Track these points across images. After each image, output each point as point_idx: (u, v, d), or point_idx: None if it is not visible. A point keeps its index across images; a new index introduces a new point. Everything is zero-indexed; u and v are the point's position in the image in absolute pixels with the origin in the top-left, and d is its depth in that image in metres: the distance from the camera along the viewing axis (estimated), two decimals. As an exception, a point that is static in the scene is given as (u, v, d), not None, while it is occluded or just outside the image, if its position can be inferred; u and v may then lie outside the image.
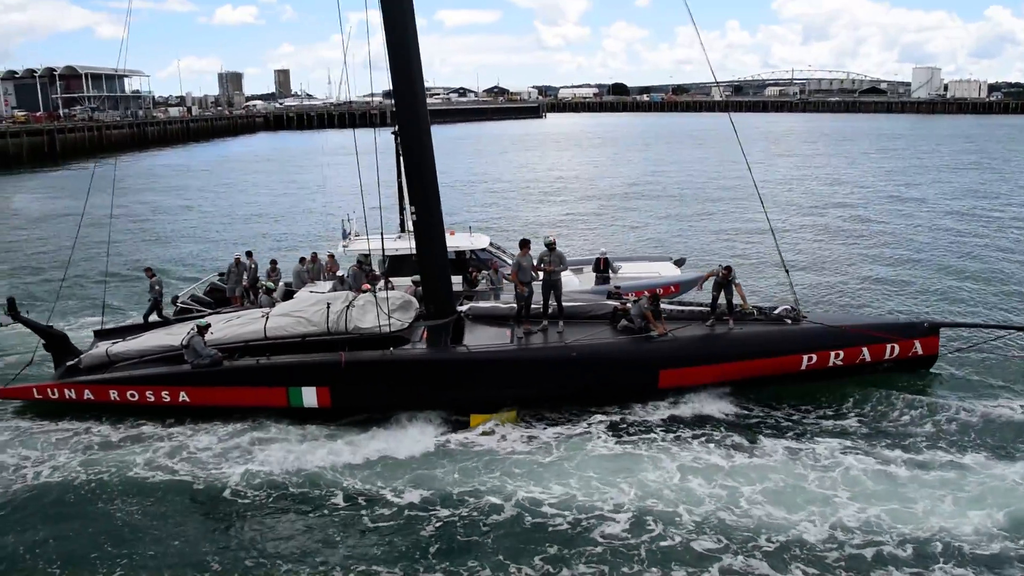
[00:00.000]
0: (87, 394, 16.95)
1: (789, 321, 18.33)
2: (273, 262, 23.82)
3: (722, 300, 18.27)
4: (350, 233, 23.55)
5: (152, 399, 16.76)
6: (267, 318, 17.91)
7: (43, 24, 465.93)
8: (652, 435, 15.80)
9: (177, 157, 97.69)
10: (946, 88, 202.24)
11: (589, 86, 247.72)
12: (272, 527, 13.09)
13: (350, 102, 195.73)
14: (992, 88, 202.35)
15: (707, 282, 19.02)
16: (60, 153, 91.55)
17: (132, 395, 16.79)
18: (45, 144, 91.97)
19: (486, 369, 16.85)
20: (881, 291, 26.76)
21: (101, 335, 20.15)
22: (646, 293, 18.59)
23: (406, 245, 22.01)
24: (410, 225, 22.47)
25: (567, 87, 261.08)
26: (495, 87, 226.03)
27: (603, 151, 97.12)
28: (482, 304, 19.18)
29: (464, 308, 18.90)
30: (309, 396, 16.52)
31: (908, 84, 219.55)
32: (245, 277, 23.13)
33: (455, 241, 22.26)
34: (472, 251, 22.53)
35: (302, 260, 23.67)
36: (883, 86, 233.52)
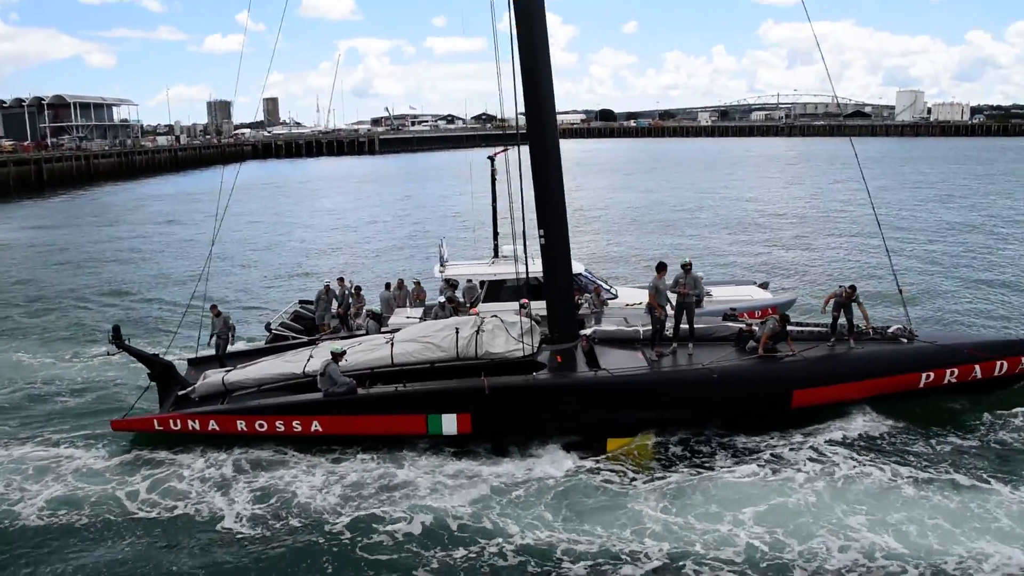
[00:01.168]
0: (212, 425, 16.40)
1: (904, 340, 18.27)
2: (357, 288, 23.37)
3: (842, 320, 18.17)
4: (447, 259, 23.14)
5: (282, 429, 16.25)
6: (392, 344, 17.51)
7: (33, 53, 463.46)
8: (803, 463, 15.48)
9: (188, 183, 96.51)
10: (929, 111, 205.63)
11: (576, 112, 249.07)
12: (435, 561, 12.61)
13: (338, 129, 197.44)
14: (974, 111, 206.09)
15: (829, 303, 18.79)
16: (47, 183, 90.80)
17: (261, 425, 16.27)
18: (32, 173, 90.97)
19: (628, 392, 16.55)
20: (957, 309, 26.80)
21: (196, 364, 19.65)
22: (772, 313, 18.42)
23: (506, 270, 21.82)
24: (503, 251, 22.40)
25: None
26: (483, 114, 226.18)
27: (611, 177, 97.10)
28: (606, 327, 18.84)
29: (588, 331, 18.56)
30: (449, 423, 16.12)
31: (892, 107, 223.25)
32: (335, 304, 22.67)
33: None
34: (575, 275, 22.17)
35: (388, 286, 23.30)
36: (868, 109, 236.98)
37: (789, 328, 18.16)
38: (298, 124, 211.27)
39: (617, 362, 17.13)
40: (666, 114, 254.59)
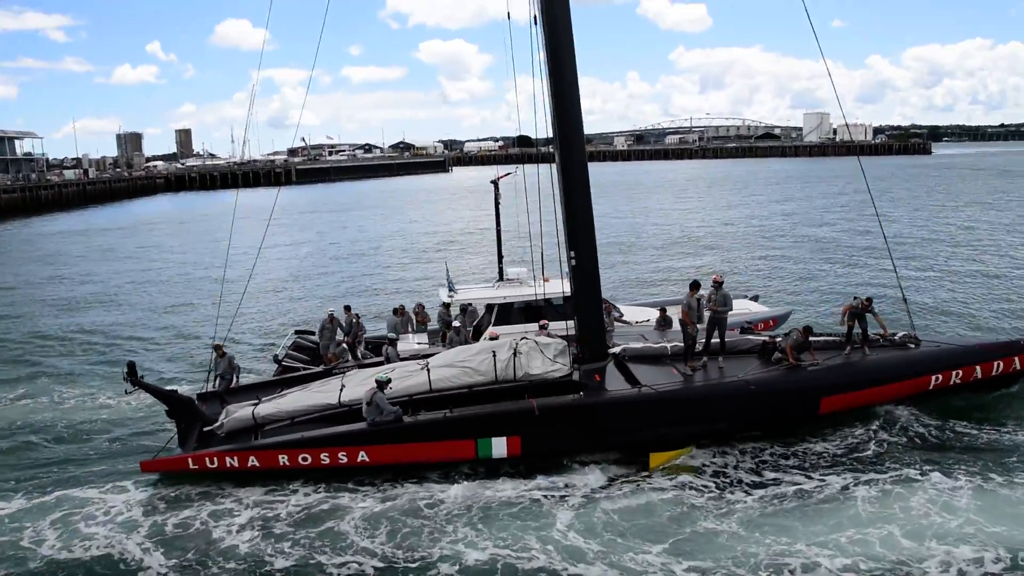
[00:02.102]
0: (252, 461, 15.84)
1: (912, 346, 19.17)
2: (357, 316, 22.97)
3: (856, 328, 18.95)
4: (450, 281, 23.00)
5: (327, 461, 15.83)
6: (429, 370, 17.30)
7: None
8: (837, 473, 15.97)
9: (97, 218, 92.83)
10: (835, 132, 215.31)
11: (494, 139, 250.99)
12: None
13: (253, 160, 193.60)
14: (876, 131, 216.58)
15: (846, 313, 19.47)
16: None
17: (305, 459, 15.81)
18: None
19: (673, 407, 16.78)
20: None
21: (205, 399, 18.99)
22: (773, 325, 19.13)
23: (515, 293, 21.87)
24: (509, 273, 22.48)
25: (472, 140, 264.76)
26: (401, 142, 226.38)
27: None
28: (635, 345, 19.05)
29: (617, 349, 18.73)
30: (499, 446, 16.03)
31: (800, 129, 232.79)
32: (339, 333, 22.24)
33: (560, 287, 22.06)
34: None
35: (395, 311, 23.01)
36: (777, 131, 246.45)
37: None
38: (212, 155, 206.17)
39: (653, 378, 17.36)
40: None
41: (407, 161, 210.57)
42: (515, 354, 17.24)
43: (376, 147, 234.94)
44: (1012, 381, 19.49)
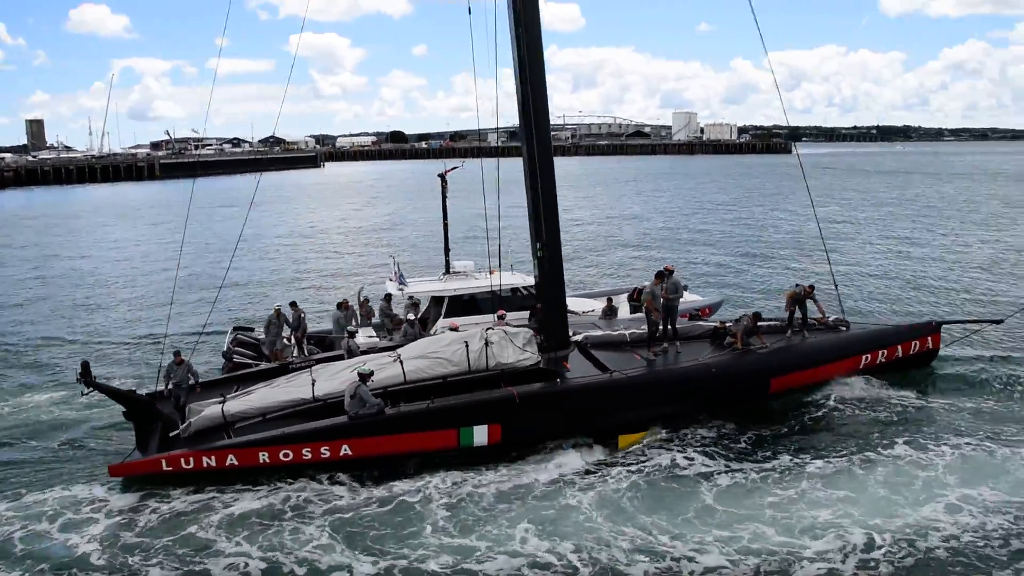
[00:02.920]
0: (231, 459, 15.41)
1: (843, 329, 20.72)
2: (302, 312, 22.48)
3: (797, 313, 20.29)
4: (400, 275, 22.90)
5: (309, 456, 15.61)
6: (401, 362, 17.32)
7: None
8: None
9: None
10: (702, 131, 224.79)
11: (367, 134, 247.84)
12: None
13: (113, 154, 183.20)
14: (741, 131, 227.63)
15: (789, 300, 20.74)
16: None
17: (286, 455, 15.53)
18: None
19: (645, 390, 17.49)
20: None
21: (156, 399, 18.25)
22: (709, 313, 20.22)
23: (465, 285, 22.11)
24: (456, 266, 22.70)
25: (345, 136, 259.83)
26: (271, 137, 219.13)
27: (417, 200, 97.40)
28: (595, 333, 19.64)
29: (578, 338, 19.27)
30: (480, 434, 16.26)
31: (669, 127, 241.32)
32: (286, 328, 21.78)
33: (511, 279, 22.45)
34: (525, 287, 22.76)
35: (339, 305, 22.71)
36: (647, 130, 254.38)
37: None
38: (68, 148, 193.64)
39: (619, 364, 18.02)
40: (457, 135, 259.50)
41: (277, 156, 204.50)
42: (486, 344, 17.49)
43: (245, 141, 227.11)
44: (929, 359, 21.37)
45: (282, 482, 15.42)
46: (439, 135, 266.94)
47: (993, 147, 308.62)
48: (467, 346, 17.43)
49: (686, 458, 16.21)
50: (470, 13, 19.25)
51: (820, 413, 18.46)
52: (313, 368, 18.11)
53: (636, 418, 17.24)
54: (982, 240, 47.99)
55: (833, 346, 20.01)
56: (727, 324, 19.86)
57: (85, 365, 16.19)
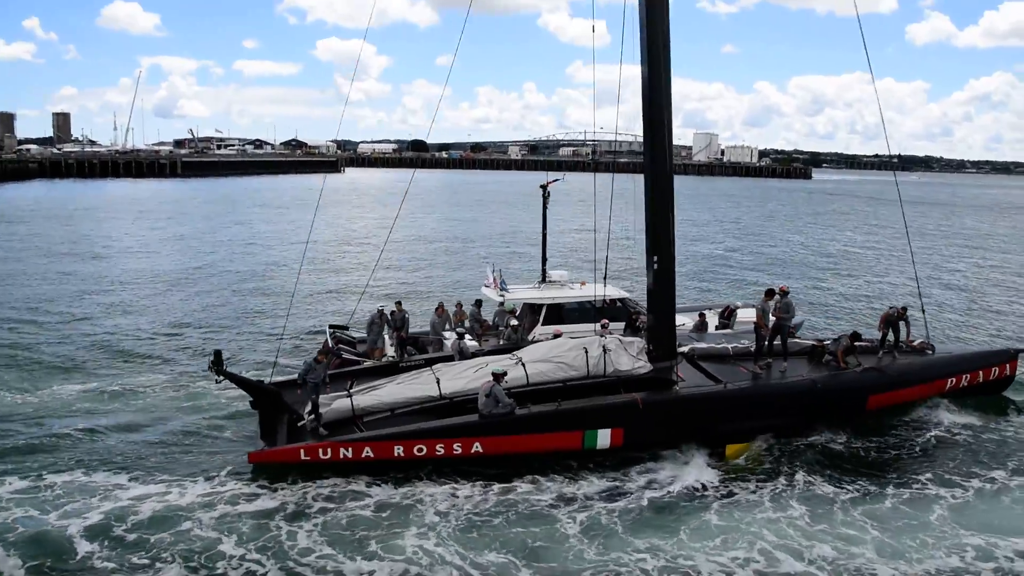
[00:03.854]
0: (367, 452, 16.03)
1: (929, 352, 21.31)
2: (405, 312, 23.09)
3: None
4: (501, 281, 23.52)
5: (442, 452, 16.22)
6: (523, 364, 17.94)
7: None
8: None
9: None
10: (723, 152, 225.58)
11: (388, 141, 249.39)
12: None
13: (137, 150, 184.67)
14: (762, 154, 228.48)
15: (883, 321, 21.34)
16: None
17: (420, 449, 16.15)
18: None
19: (752, 403, 18.07)
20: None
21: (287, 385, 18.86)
22: (844, 333, 20.78)
23: (565, 294, 22.77)
24: (552, 275, 23.35)
25: (366, 142, 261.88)
26: (293, 140, 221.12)
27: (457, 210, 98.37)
28: (701, 345, 20.25)
29: (685, 349, 19.88)
30: (604, 438, 16.87)
31: (690, 148, 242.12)
32: (387, 329, 22.40)
33: (600, 291, 23.07)
34: (620, 299, 23.38)
35: (436, 310, 23.33)
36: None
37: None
38: (92, 142, 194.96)
39: (728, 376, 18.63)
40: (477, 146, 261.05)
41: (298, 159, 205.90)
42: (604, 351, 18.13)
43: (267, 143, 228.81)
44: (1006, 385, 21.94)
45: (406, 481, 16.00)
46: (460, 145, 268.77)
47: (1017, 180, 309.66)
48: (587, 352, 18.08)
49: (805, 473, 16.72)
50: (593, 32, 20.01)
51: (923, 435, 18.97)
52: (435, 367, 18.72)
53: (744, 428, 17.81)
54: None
55: (923, 368, 20.59)
56: (825, 343, 20.48)
57: (217, 354, 16.84)
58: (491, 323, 24.31)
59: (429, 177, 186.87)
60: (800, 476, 16.49)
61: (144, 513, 14.26)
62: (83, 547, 13.18)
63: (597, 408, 16.98)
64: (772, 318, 19.62)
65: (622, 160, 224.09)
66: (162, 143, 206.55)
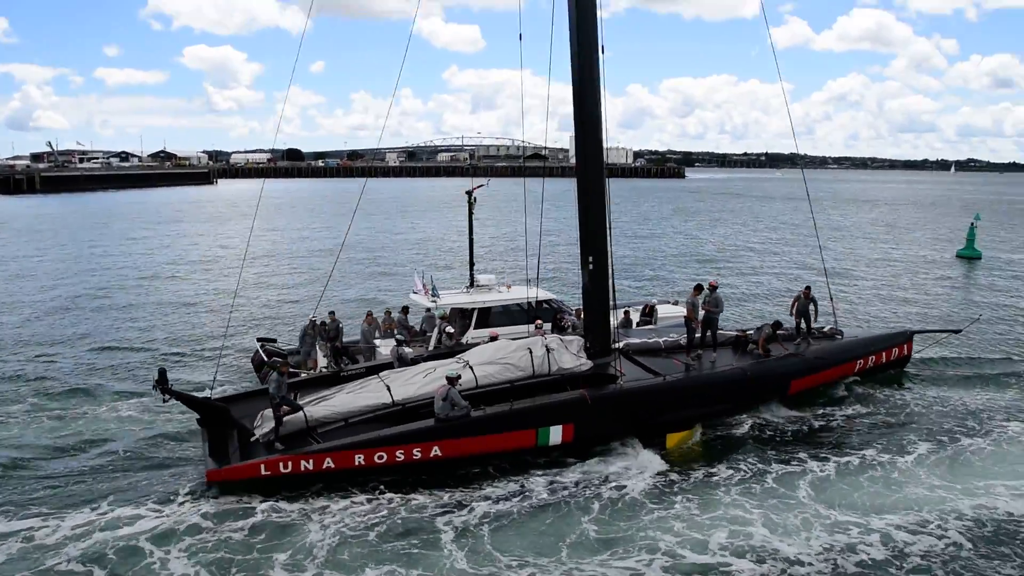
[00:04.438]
0: (328, 462, 15.98)
1: (839, 337, 23.01)
2: (339, 323, 22.97)
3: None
4: (433, 288, 23.65)
5: (402, 458, 16.36)
6: (471, 367, 18.25)
7: None
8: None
9: None
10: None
11: (262, 151, 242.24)
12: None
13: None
14: (636, 155, 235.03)
15: (794, 307, 22.83)
16: None
17: (380, 457, 16.23)
18: None
19: (690, 393, 19.02)
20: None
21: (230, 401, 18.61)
22: (767, 323, 22.09)
23: (495, 298, 23.26)
24: (480, 280, 23.81)
25: (239, 152, 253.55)
26: (161, 151, 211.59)
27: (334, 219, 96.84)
28: (634, 340, 21.07)
29: (620, 345, 20.65)
30: (556, 434, 17.40)
31: (567, 150, 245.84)
32: (317, 339, 22.23)
33: (528, 293, 23.69)
34: (547, 300, 23.98)
35: (367, 318, 23.32)
36: (545, 152, 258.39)
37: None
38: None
39: (665, 369, 19.53)
40: (354, 154, 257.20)
41: (168, 172, 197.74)
42: (547, 351, 18.68)
43: (134, 155, 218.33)
44: (905, 363, 23.93)
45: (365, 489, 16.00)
46: (336, 153, 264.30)
47: (874, 175, 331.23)
48: (531, 352, 18.58)
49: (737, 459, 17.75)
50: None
51: (839, 414, 20.46)
52: (382, 374, 18.78)
53: (683, 418, 18.73)
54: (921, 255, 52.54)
55: (835, 352, 22.17)
56: (748, 332, 21.73)
57: (162, 372, 16.38)
58: (418, 329, 24.47)
59: (310, 187, 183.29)
60: (747, 459, 17.53)
61: (96, 546, 13.61)
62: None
63: (548, 406, 17.49)
64: (702, 312, 20.66)
65: (500, 164, 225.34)
66: (17, 157, 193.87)
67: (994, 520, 14.75)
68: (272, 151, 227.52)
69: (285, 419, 17.00)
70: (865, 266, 49.76)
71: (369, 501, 15.51)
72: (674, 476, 16.67)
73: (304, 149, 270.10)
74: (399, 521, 14.71)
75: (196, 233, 70.15)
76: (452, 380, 16.85)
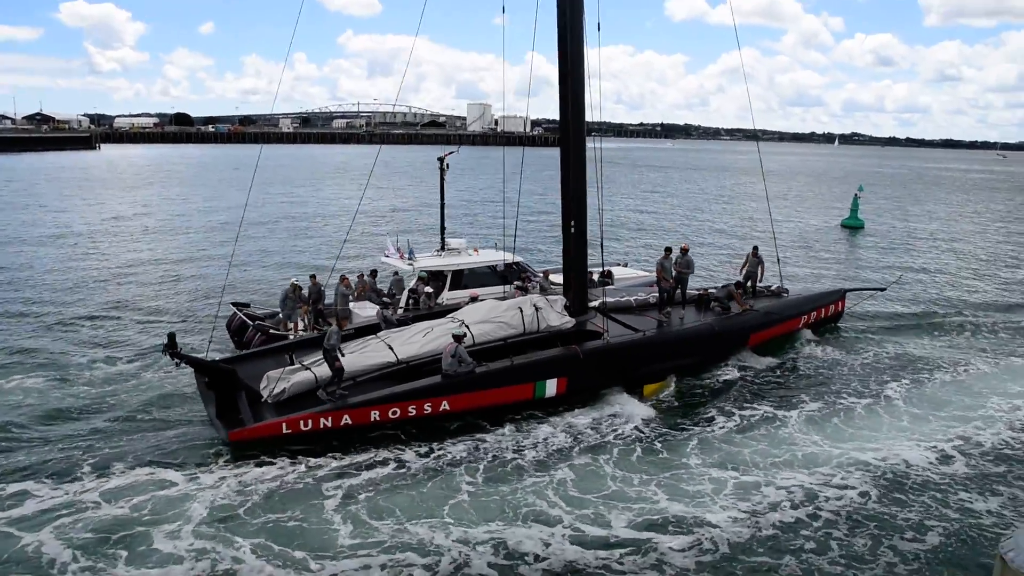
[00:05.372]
0: (345, 419, 16.67)
1: (785, 294, 25.12)
2: (320, 285, 23.35)
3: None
4: (409, 251, 24.26)
5: (414, 412, 17.21)
6: (467, 326, 19.20)
7: None
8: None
9: None
10: (497, 123, 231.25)
11: (149, 115, 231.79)
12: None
13: None
14: (534, 123, 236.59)
15: (743, 269, 24.73)
16: None
17: (394, 412, 17.04)
18: None
19: (666, 347, 20.53)
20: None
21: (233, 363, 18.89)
22: (728, 283, 23.82)
23: (468, 261, 24.19)
24: (452, 244, 24.72)
25: (124, 116, 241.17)
26: (37, 114, 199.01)
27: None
28: (609, 299, 22.39)
29: (596, 303, 21.96)
30: (551, 387, 18.58)
31: (464, 118, 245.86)
32: (304, 303, 22.59)
33: (497, 255, 24.75)
34: (515, 263, 25.05)
35: (341, 282, 23.74)
36: (442, 120, 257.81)
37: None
38: None
39: (641, 325, 20.97)
40: (246, 120, 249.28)
41: (45, 136, 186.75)
42: (536, 309, 19.82)
43: (6, 118, 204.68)
44: (840, 317, 26.31)
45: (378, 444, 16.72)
46: (227, 119, 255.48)
47: (765, 147, 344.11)
48: (522, 311, 19.67)
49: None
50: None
51: (796, 362, 22.50)
52: (381, 335, 19.48)
53: (659, 370, 20.25)
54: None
55: (785, 308, 24.21)
56: (710, 291, 23.44)
57: (171, 337, 16.72)
58: (387, 292, 25.08)
59: (202, 152, 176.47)
60: (726, 407, 19.15)
61: (125, 512, 13.69)
62: (64, 557, 12.44)
63: (545, 361, 18.64)
64: (674, 272, 22.21)
65: (397, 132, 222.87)
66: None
67: (896, 469, 15.91)
68: (159, 115, 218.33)
69: (295, 379, 17.58)
70: (758, 233, 51.90)
71: (387, 461, 16.22)
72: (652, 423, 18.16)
73: (193, 114, 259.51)
74: (425, 475, 15.48)
75: (97, 200, 67.37)
76: (458, 338, 17.75)
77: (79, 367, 21.15)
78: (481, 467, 15.70)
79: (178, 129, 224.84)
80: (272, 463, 15.67)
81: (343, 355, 17.78)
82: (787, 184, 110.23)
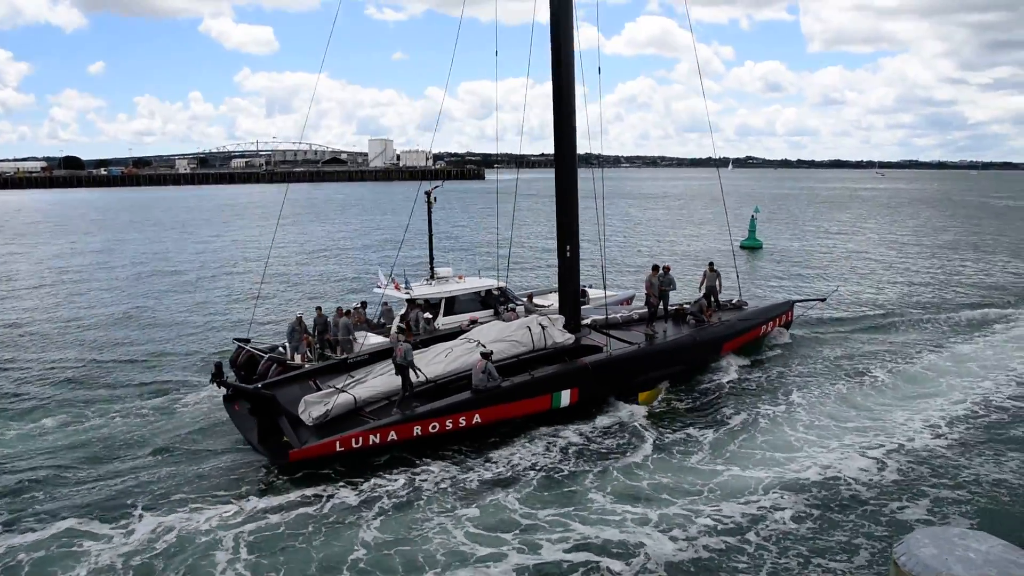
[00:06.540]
0: (392, 435, 18.01)
1: (745, 307, 27.82)
2: (326, 317, 24.46)
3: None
4: (405, 280, 25.64)
5: (451, 427, 18.71)
6: (483, 346, 20.87)
7: None
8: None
9: None
10: (399, 157, 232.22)
11: (36, 159, 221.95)
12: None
13: None
14: (436, 157, 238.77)
15: (703, 285, 27.30)
16: None
17: (434, 427, 18.50)
18: None
19: (658, 358, 22.68)
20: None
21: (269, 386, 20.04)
22: (629, 304, 26.24)
23: (461, 288, 25.91)
24: (439, 272, 26.41)
25: (7, 160, 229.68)
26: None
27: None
28: (598, 317, 24.41)
29: (587, 321, 23.97)
30: (566, 397, 20.42)
31: (366, 154, 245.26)
32: (307, 334, 23.67)
33: (482, 282, 26.53)
34: (498, 288, 26.81)
35: (343, 314, 24.95)
36: (344, 156, 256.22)
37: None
38: None
39: (633, 339, 23.09)
40: (141, 161, 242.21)
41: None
42: (542, 328, 21.69)
43: None
44: (790, 325, 29.17)
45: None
46: (121, 161, 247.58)
47: (663, 172, 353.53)
48: (530, 330, 21.49)
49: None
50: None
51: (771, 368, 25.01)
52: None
53: (651, 379, 22.36)
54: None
55: (748, 319, 26.80)
56: (684, 306, 25.84)
57: (218, 367, 18.00)
58: (375, 322, 26.38)
59: (92, 198, 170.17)
60: (728, 408, 21.30)
61: (179, 544, 14.27)
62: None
63: (560, 374, 20.48)
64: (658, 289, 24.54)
65: (298, 170, 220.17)
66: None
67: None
68: (47, 159, 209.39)
69: (337, 400, 18.85)
70: (667, 257, 53.31)
71: (426, 471, 17.69)
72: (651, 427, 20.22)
73: (84, 156, 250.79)
74: (467, 485, 16.96)
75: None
76: (487, 356, 19.40)
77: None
78: (533, 482, 17.00)
79: (68, 173, 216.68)
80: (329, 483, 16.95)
81: (417, 373, 19.32)
82: (688, 208, 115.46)
